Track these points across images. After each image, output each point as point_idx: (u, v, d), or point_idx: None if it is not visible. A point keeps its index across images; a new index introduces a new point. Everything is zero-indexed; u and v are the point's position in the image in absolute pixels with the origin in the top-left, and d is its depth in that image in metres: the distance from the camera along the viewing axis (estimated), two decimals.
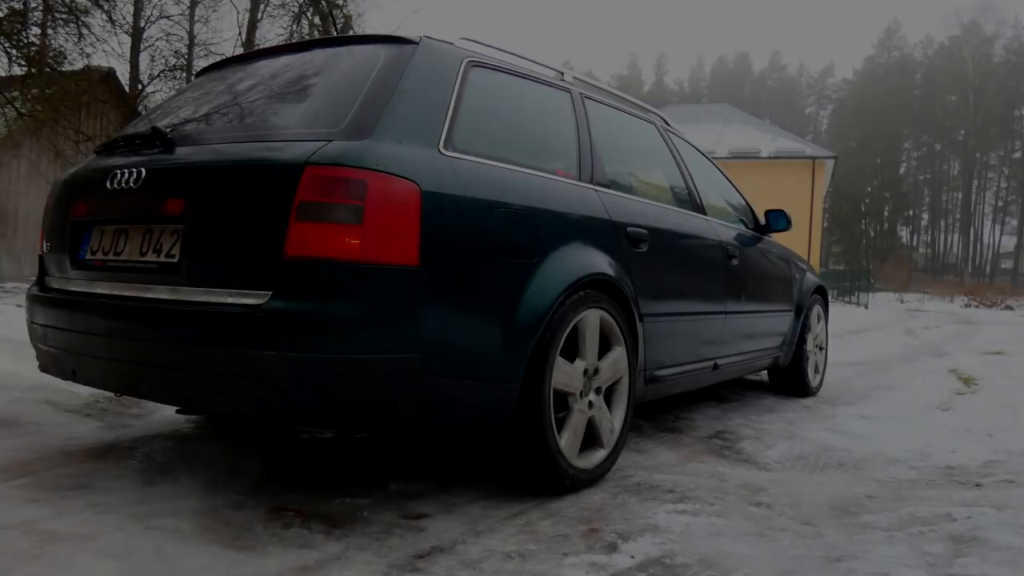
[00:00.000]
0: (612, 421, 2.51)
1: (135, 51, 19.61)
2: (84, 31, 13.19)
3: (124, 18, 15.94)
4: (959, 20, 59.68)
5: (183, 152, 2.16)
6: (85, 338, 2.18)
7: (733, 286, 3.49)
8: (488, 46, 2.55)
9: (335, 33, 15.22)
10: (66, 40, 13.31)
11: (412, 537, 1.92)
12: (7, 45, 12.11)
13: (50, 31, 13.46)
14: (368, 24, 17.21)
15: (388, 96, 2.04)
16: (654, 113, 3.59)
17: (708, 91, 77.29)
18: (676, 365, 3.04)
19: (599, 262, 2.44)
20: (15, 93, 13.06)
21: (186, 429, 2.98)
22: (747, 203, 4.15)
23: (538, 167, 2.44)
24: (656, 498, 2.33)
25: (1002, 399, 4.53)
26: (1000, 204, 59.50)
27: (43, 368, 2.46)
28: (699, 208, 3.46)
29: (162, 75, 17.22)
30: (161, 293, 2.01)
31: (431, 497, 2.24)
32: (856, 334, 10.32)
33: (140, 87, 18.15)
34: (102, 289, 2.18)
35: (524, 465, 2.26)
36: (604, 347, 2.47)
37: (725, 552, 1.88)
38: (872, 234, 60.46)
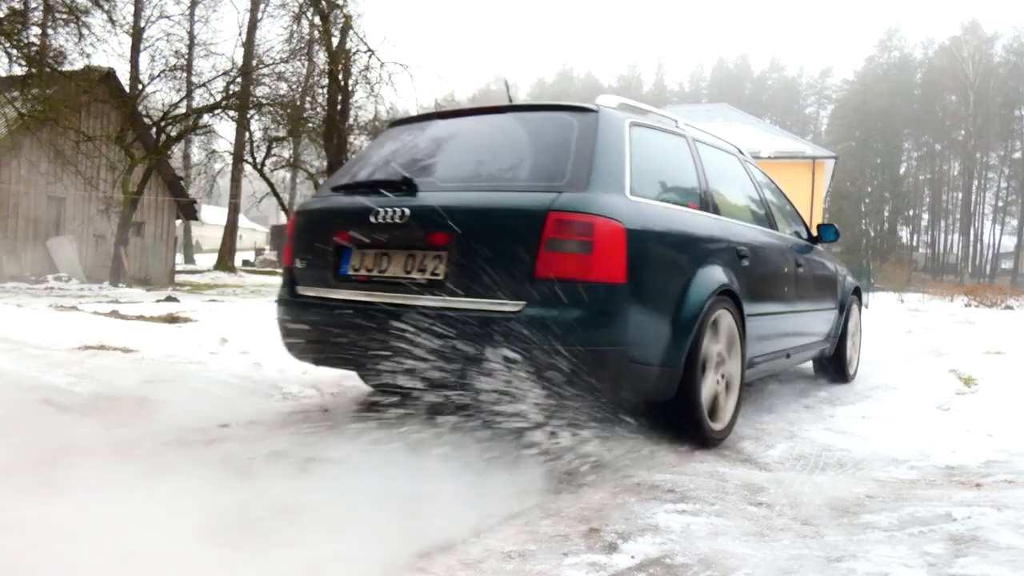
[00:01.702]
0: (730, 395, 3.22)
1: (135, 51, 19.62)
2: (84, 31, 13.21)
3: (124, 18, 15.96)
4: (959, 20, 59.75)
5: (439, 197, 2.79)
6: (352, 335, 2.77)
7: (799, 289, 4.17)
8: (631, 105, 3.26)
9: (335, 33, 15.23)
10: (66, 40, 13.32)
11: (412, 536, 1.92)
12: (7, 45, 12.11)
13: (50, 31, 13.47)
14: (368, 24, 17.19)
15: (590, 156, 2.72)
16: (733, 146, 4.23)
17: (708, 91, 77.30)
18: (765, 354, 3.72)
19: (725, 275, 3.11)
20: (15, 93, 13.05)
21: (191, 433, 2.98)
22: (800, 216, 4.82)
23: (679, 203, 3.17)
24: (656, 498, 2.33)
25: (1002, 399, 4.52)
26: (1000, 204, 59.45)
27: (299, 357, 3.20)
28: (773, 225, 4.17)
29: (162, 75, 17.21)
30: (428, 301, 2.66)
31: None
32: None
33: (140, 87, 18.14)
34: (369, 298, 2.83)
35: (683, 425, 2.99)
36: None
37: (725, 552, 1.89)
38: (872, 234, 60.45)
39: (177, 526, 1.88)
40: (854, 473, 2.80)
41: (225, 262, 27.15)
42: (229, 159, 25.46)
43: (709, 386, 3.01)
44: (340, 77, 15.11)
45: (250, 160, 20.09)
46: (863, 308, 5.56)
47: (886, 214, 62.60)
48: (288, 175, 34.42)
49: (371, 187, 2.98)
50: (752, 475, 2.70)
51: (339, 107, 15.38)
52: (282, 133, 18.82)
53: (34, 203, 16.66)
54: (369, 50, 15.23)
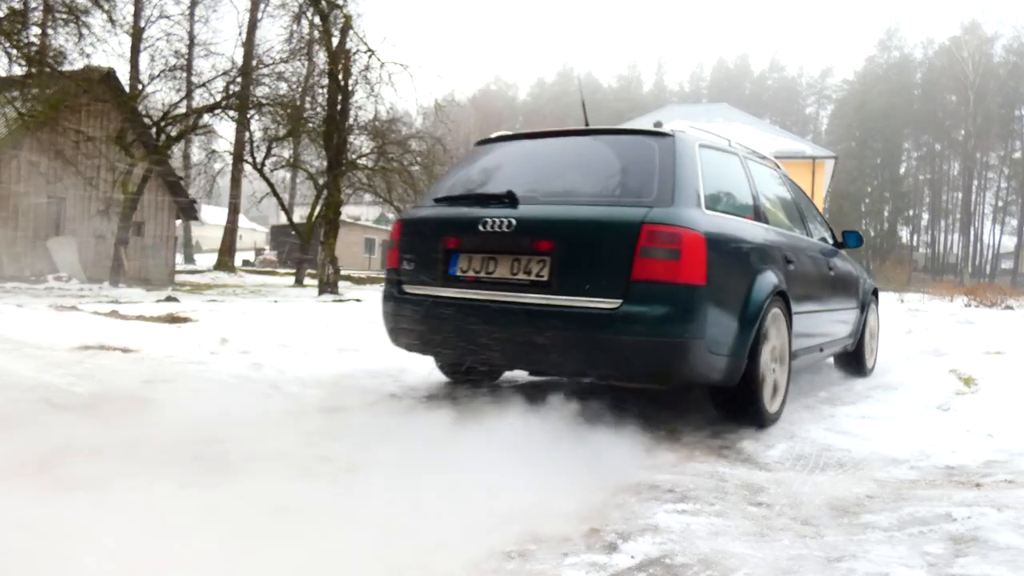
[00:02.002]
0: (780, 383, 3.63)
1: (135, 51, 19.62)
2: (84, 31, 13.18)
3: (124, 18, 15.93)
4: (959, 20, 59.71)
5: (541, 209, 3.25)
6: (463, 327, 3.24)
7: (831, 290, 4.61)
8: (696, 128, 3.64)
9: (335, 33, 15.22)
10: (66, 40, 13.30)
11: (412, 537, 1.92)
12: (7, 45, 12.10)
13: (50, 31, 13.45)
14: (368, 24, 17.20)
15: (672, 175, 3.15)
16: (772, 160, 4.63)
17: (708, 91, 77.25)
18: (805, 347, 4.14)
19: (777, 278, 3.52)
20: (15, 93, 13.05)
21: (191, 433, 2.98)
22: (827, 223, 5.26)
23: (739, 214, 3.59)
24: (656, 498, 2.33)
25: (1002, 399, 4.52)
26: (1000, 204, 59.41)
27: (405, 347, 3.67)
28: (808, 232, 4.61)
29: (162, 75, 17.20)
30: (534, 299, 3.10)
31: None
32: None
33: (140, 87, 18.13)
34: (478, 296, 3.24)
35: (744, 408, 3.41)
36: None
37: (725, 552, 1.89)
38: (872, 234, 60.40)
39: (177, 526, 1.88)
40: (854, 473, 2.80)
41: (225, 262, 27.14)
42: (229, 159, 25.45)
43: (766, 374, 3.44)
44: (340, 77, 15.09)
45: (250, 160, 20.08)
46: (879, 307, 6.04)
47: (886, 214, 62.58)
48: (288, 175, 34.40)
49: (476, 199, 3.41)
50: (752, 475, 2.70)
51: (339, 107, 15.35)
52: (282, 133, 18.81)
53: (34, 203, 16.65)
54: (369, 50, 15.21)
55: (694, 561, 1.82)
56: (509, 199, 3.26)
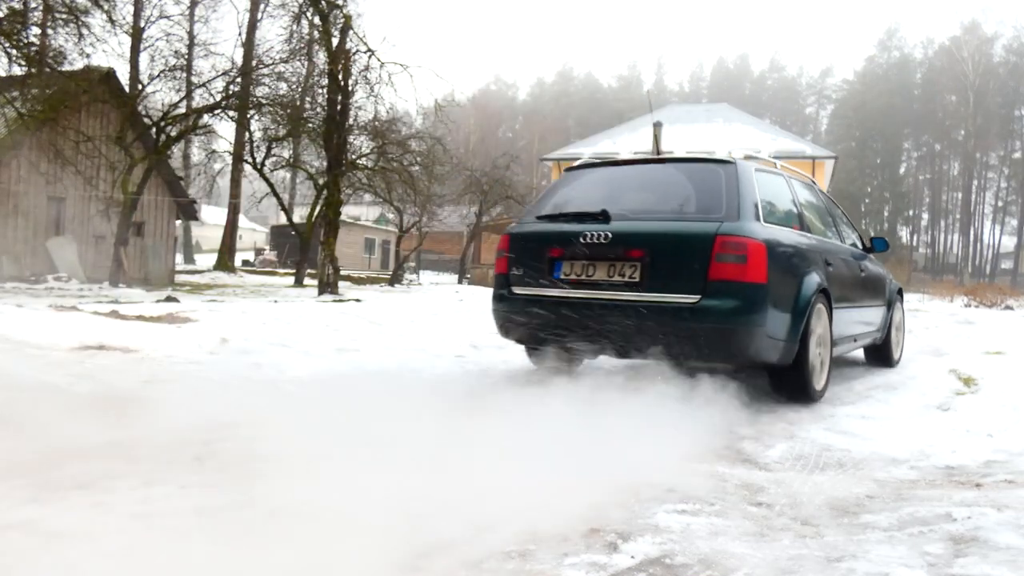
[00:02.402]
0: (824, 366, 4.32)
1: (135, 51, 19.63)
2: (84, 31, 13.17)
3: (124, 18, 15.94)
4: (959, 20, 59.69)
5: (632, 224, 3.99)
6: (566, 320, 3.96)
7: (863, 289, 5.27)
8: (753, 156, 4.44)
9: (335, 33, 15.21)
10: (66, 40, 13.29)
11: (412, 537, 1.92)
12: (7, 45, 12.10)
13: (50, 31, 13.45)
14: (368, 24, 17.18)
15: (737, 195, 3.89)
16: (809, 177, 5.44)
17: (708, 91, 77.22)
18: (842, 336, 4.78)
19: (820, 278, 4.19)
20: (15, 93, 13.04)
21: (192, 433, 2.98)
22: (857, 230, 5.87)
23: (788, 225, 4.30)
24: (656, 498, 2.33)
25: (1002, 399, 4.52)
26: (1000, 204, 59.40)
27: (516, 339, 4.49)
28: (841, 239, 5.28)
29: (162, 75, 17.19)
30: (629, 297, 3.84)
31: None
32: None
33: (140, 87, 18.13)
34: (580, 295, 3.99)
35: (796, 385, 4.10)
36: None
37: (725, 552, 1.88)
38: (872, 234, 60.38)
39: (177, 526, 1.88)
40: (854, 473, 2.79)
41: (225, 262, 27.11)
42: (229, 159, 25.44)
43: (813, 357, 4.10)
44: (340, 77, 15.08)
45: (250, 160, 20.06)
46: (904, 304, 6.77)
47: (886, 214, 62.58)
48: (288, 175, 34.39)
49: (575, 217, 4.17)
50: (752, 475, 2.70)
51: (339, 107, 15.34)
52: (282, 133, 18.80)
53: (34, 203, 16.65)
54: (369, 50, 15.20)
55: (694, 561, 1.82)
56: (603, 216, 4.02)
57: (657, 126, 28.60)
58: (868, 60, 68.14)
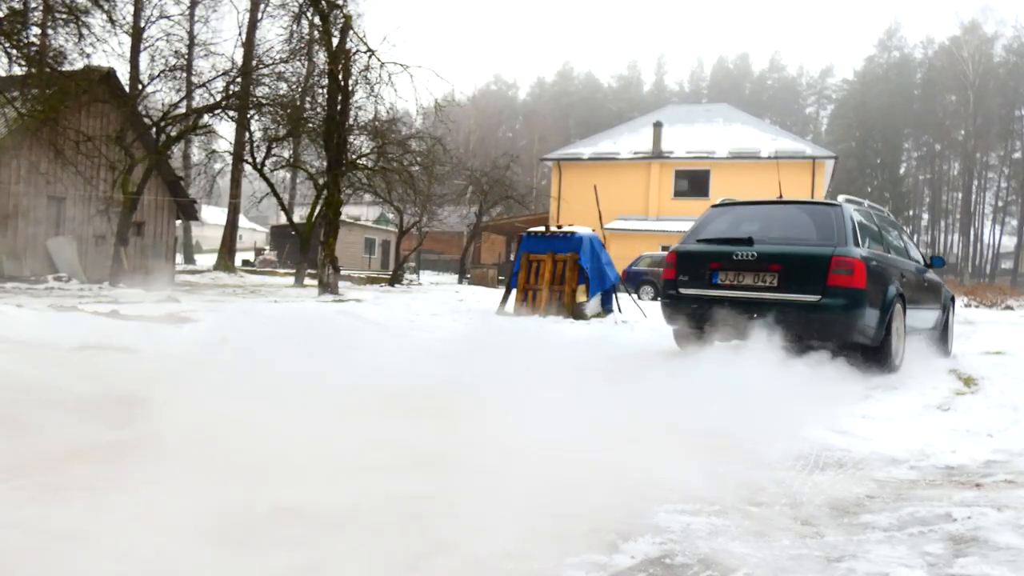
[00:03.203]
0: (901, 348, 5.97)
1: (135, 51, 19.62)
2: (84, 31, 13.16)
3: (124, 18, 15.92)
4: (959, 20, 59.64)
5: (771, 247, 5.70)
6: (721, 312, 5.67)
7: (926, 295, 6.90)
8: (851, 199, 6.20)
9: (335, 33, 15.20)
10: (66, 40, 13.29)
11: (412, 537, 1.92)
12: (7, 45, 12.09)
13: (50, 31, 13.44)
14: (368, 24, 17.18)
15: (843, 227, 5.62)
16: (886, 210, 7.38)
17: (708, 91, 77.20)
18: (912, 328, 6.33)
19: (897, 287, 5.83)
20: (15, 93, 13.04)
21: (192, 433, 2.97)
22: (918, 249, 7.56)
23: (876, 247, 5.94)
24: (656, 498, 2.33)
25: (1002, 399, 4.52)
26: (1000, 204, 59.37)
27: (681, 326, 6.24)
28: (909, 257, 6.88)
29: (162, 75, 17.19)
30: (769, 296, 5.59)
31: None
32: None
33: (140, 87, 18.13)
34: (733, 295, 5.74)
35: (882, 360, 5.64)
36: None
37: (725, 552, 1.88)
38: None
39: (178, 526, 1.88)
40: (854, 473, 2.79)
41: (225, 262, 27.11)
42: (229, 159, 25.43)
43: (894, 341, 5.74)
44: (340, 77, 15.08)
45: (250, 160, 20.05)
46: (955, 307, 8.48)
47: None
48: (288, 175, 34.38)
49: (728, 241, 5.92)
50: (752, 475, 2.70)
51: (339, 107, 15.34)
52: (282, 133, 18.80)
53: (34, 203, 16.64)
54: (369, 50, 15.20)
55: (694, 561, 1.82)
56: (749, 241, 5.78)
57: (657, 127, 28.67)
58: (868, 60, 68.17)
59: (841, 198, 6.00)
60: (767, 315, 5.47)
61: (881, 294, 5.55)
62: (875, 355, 5.61)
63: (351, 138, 17.14)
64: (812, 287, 5.41)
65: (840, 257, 5.37)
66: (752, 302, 5.59)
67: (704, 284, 5.86)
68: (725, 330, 5.69)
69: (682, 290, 6.01)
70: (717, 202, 6.58)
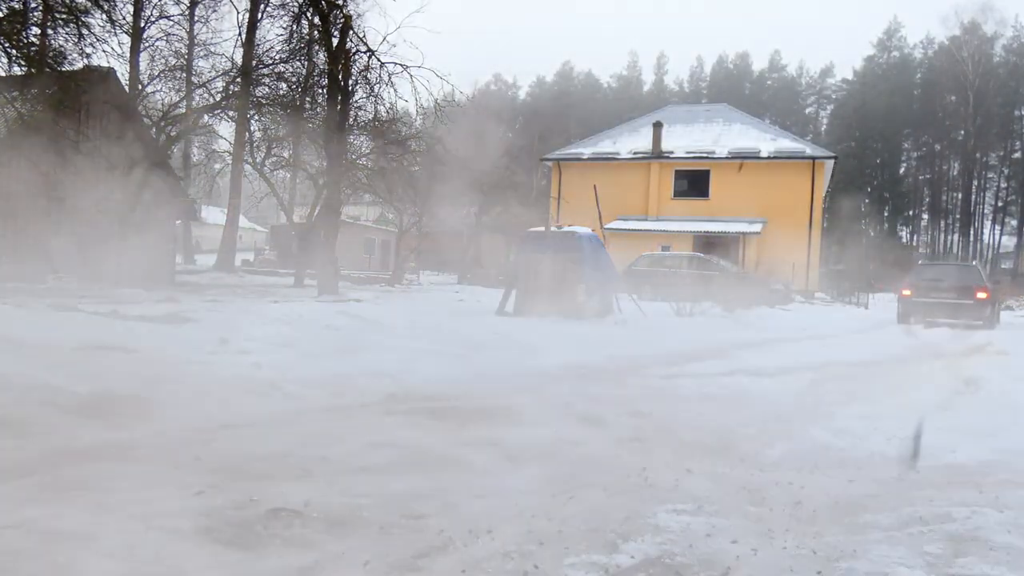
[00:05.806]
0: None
1: (135, 51, 19.62)
2: (84, 31, 13.16)
3: (124, 18, 15.93)
4: (959, 20, 59.63)
5: (956, 282, 13.95)
6: (930, 310, 13.27)
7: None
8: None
9: (335, 33, 15.20)
10: (66, 40, 13.29)
11: (412, 537, 1.92)
12: (7, 45, 12.10)
13: (50, 31, 13.45)
14: (368, 24, 17.16)
15: (981, 276, 14.73)
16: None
17: (708, 91, 77.14)
18: None
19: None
20: (15, 93, 13.04)
21: (192, 433, 2.98)
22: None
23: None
24: (656, 498, 2.33)
25: (1002, 399, 4.52)
26: (1000, 204, 59.41)
27: (914, 321, 13.07)
28: None
29: (162, 75, 17.19)
30: (962, 301, 13.48)
31: None
32: (857, 334, 10.31)
33: (140, 87, 18.14)
34: (939, 300, 13.40)
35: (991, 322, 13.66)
36: None
37: (725, 552, 1.89)
38: (872, 234, 60.37)
39: (178, 526, 1.88)
40: (854, 473, 2.79)
41: (225, 262, 27.11)
42: (229, 159, 25.44)
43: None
44: (340, 77, 15.08)
45: (250, 160, 20.05)
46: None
47: (886, 214, 62.55)
48: (288, 175, 34.36)
49: (926, 267, 15.55)
50: (752, 475, 2.70)
51: (339, 107, 15.35)
52: (282, 133, 18.79)
53: (34, 203, 16.63)
54: (369, 50, 15.20)
55: (694, 561, 1.82)
56: (951, 278, 13.43)
57: (657, 127, 28.61)
58: (868, 60, 68.13)
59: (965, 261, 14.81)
60: (959, 310, 11.82)
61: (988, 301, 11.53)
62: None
63: (351, 138, 17.13)
64: (972, 293, 12.64)
65: (978, 287, 12.34)
66: (952, 304, 13.18)
67: (926, 296, 13.14)
68: (936, 319, 11.04)
69: (914, 299, 13.00)
70: (921, 263, 14.56)
